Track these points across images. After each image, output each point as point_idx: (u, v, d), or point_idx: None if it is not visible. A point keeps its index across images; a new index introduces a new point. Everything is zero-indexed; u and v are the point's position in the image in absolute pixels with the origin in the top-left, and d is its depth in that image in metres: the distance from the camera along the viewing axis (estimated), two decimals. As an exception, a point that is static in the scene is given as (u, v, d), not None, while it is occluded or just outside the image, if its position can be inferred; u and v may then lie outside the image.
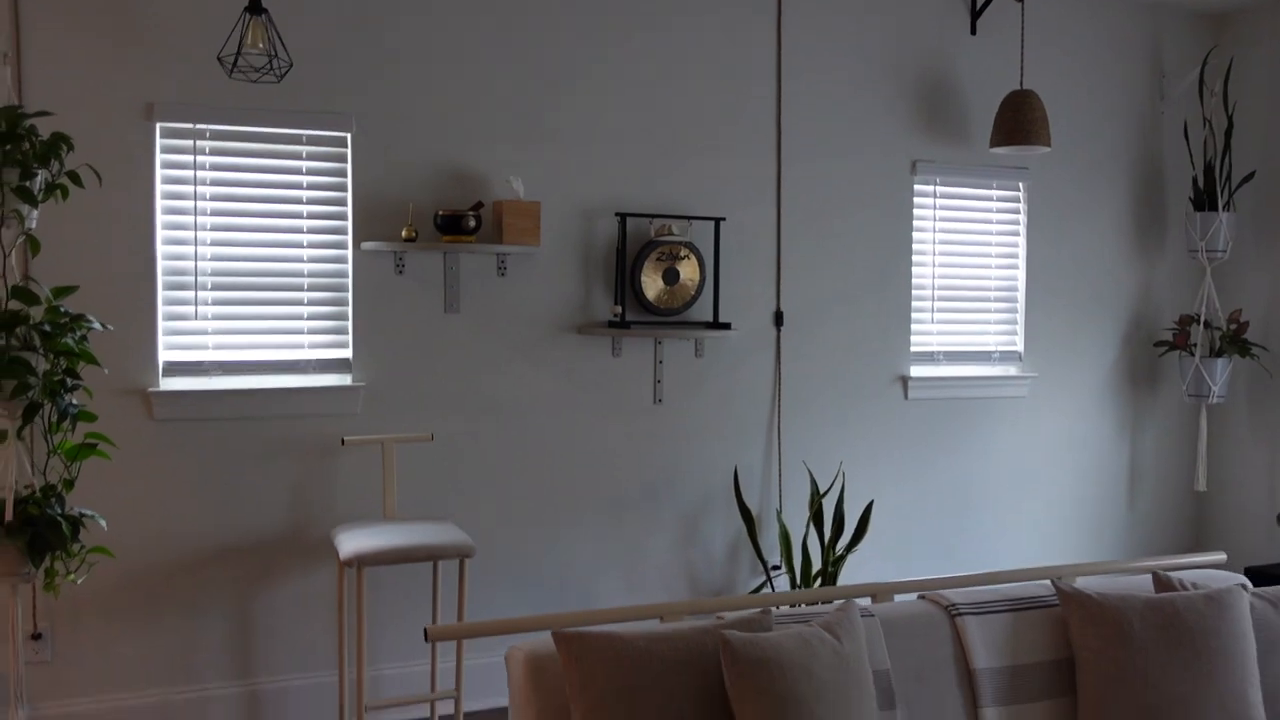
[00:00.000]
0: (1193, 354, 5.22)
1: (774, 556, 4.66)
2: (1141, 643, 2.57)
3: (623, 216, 4.29)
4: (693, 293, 4.42)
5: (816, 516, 4.49)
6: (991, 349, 5.16)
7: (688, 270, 4.40)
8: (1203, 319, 5.23)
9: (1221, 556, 3.27)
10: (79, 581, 3.20)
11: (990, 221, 5.13)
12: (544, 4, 4.24)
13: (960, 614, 2.67)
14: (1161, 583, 2.81)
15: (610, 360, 4.40)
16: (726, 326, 4.45)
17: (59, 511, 3.10)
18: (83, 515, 3.16)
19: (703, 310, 4.48)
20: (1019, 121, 4.69)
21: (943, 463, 5.02)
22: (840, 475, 4.72)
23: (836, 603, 2.64)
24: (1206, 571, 3.06)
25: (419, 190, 4.06)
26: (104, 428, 3.23)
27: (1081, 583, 2.89)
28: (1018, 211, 5.18)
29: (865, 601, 2.76)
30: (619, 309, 4.28)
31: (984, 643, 2.63)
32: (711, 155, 4.52)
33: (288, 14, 3.81)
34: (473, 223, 3.96)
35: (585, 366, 4.36)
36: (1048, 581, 2.84)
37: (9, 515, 3.00)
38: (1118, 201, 5.36)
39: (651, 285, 4.35)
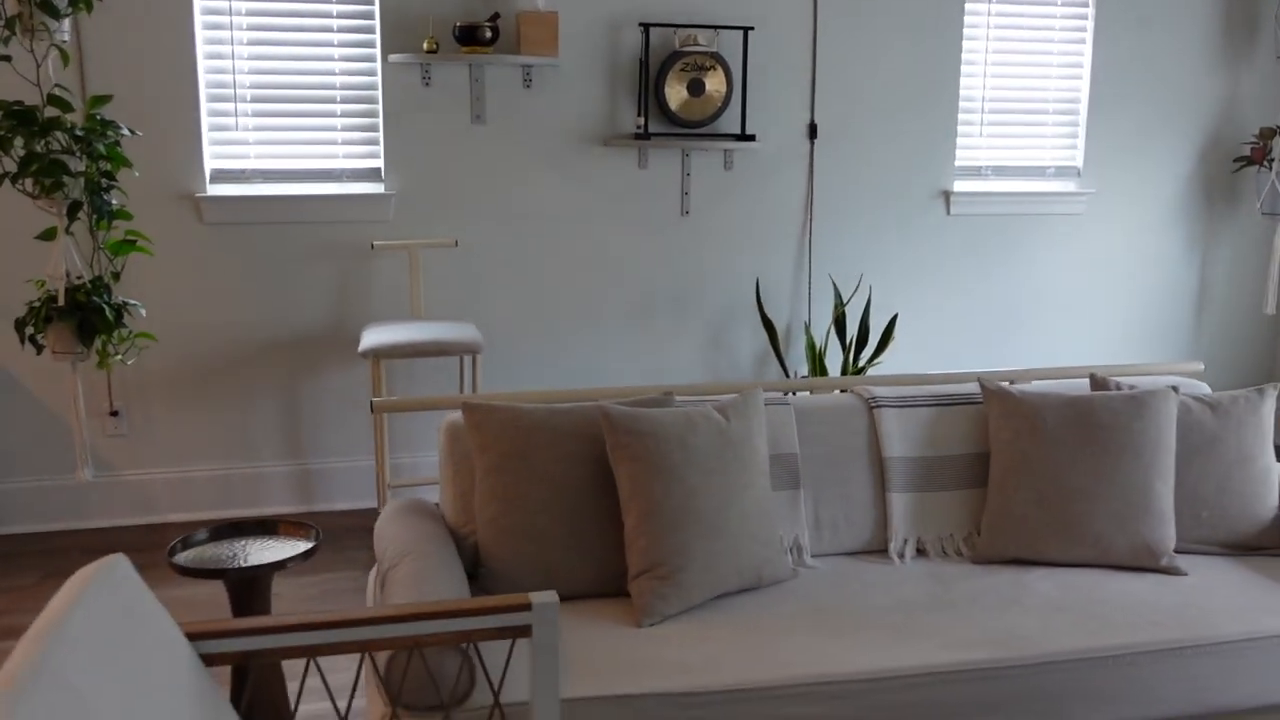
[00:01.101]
0: (1270, 168, 4.94)
1: (803, 368, 4.78)
2: (1052, 436, 2.63)
3: (646, 27, 4.32)
4: (719, 105, 4.44)
5: (838, 324, 4.56)
6: (1046, 164, 5.00)
7: (714, 82, 4.42)
8: (1285, 132, 4.93)
9: (1198, 366, 3.23)
10: (128, 363, 3.62)
11: (1052, 29, 4.89)
12: None
13: (879, 406, 2.78)
14: (1097, 384, 2.84)
15: (637, 172, 4.50)
16: (751, 139, 4.47)
17: (105, 300, 3.50)
18: (126, 304, 3.55)
19: (730, 122, 4.50)
20: (1077, -83, 4.42)
21: (987, 280, 4.97)
22: (866, 287, 4.76)
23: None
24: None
25: (444, 3, 4.17)
26: (157, 230, 3.60)
27: (1034, 385, 2.94)
28: (1085, 18, 4.91)
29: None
30: (641, 120, 4.36)
31: (900, 434, 2.74)
32: (743, -38, 4.46)
33: None
34: (489, 34, 4.07)
35: (612, 178, 4.48)
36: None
37: (60, 301, 3.42)
38: (1201, 3, 5.00)
39: (675, 97, 4.39)
